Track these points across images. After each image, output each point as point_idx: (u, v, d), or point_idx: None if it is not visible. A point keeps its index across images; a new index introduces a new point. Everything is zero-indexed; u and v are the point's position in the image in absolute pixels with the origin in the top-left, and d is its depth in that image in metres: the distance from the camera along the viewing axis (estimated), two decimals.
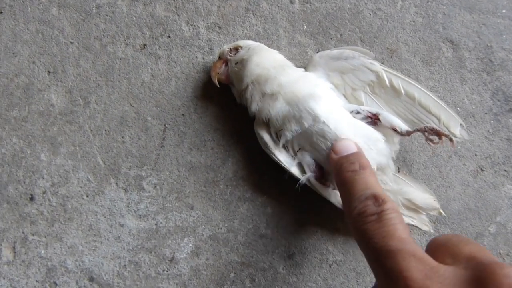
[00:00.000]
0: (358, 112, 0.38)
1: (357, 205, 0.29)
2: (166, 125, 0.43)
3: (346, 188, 0.31)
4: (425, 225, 0.40)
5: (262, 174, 0.42)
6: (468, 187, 0.42)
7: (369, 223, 0.27)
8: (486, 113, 0.43)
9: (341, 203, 0.38)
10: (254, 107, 0.39)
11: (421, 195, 0.39)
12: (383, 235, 0.26)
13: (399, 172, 0.41)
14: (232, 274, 0.41)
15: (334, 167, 0.34)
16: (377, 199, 0.28)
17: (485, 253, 0.25)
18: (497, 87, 0.43)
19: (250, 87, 0.38)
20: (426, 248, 0.28)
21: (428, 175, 0.42)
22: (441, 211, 0.39)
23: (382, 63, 0.42)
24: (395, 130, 0.37)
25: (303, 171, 0.39)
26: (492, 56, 0.43)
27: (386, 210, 0.27)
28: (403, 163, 0.42)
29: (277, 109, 0.37)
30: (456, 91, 0.43)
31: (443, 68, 0.43)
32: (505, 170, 0.42)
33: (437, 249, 0.27)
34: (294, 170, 0.39)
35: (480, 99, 0.43)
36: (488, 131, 0.43)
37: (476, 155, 0.42)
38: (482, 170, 0.42)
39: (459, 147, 0.42)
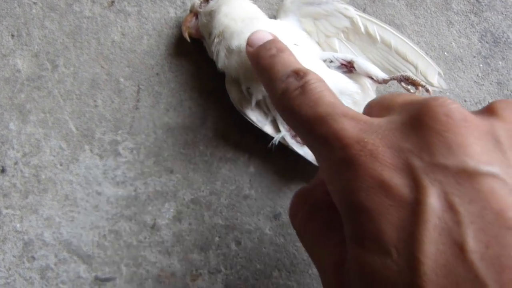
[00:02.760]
0: (331, 61, 0.36)
1: (279, 85, 0.27)
2: (140, 86, 0.41)
3: (267, 74, 0.29)
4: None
5: (244, 133, 0.40)
6: None
7: (295, 98, 0.25)
8: (474, 57, 0.41)
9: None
10: (220, 63, 0.37)
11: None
12: (310, 104, 0.24)
13: None
14: (216, 238, 0.40)
15: (252, 59, 0.32)
16: (298, 74, 0.26)
17: (420, 97, 0.23)
18: (485, 28, 0.41)
19: (215, 40, 0.36)
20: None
21: None
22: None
23: (365, 9, 0.40)
24: (371, 78, 0.35)
25: (277, 128, 0.37)
26: None
27: (309, 81, 0.25)
28: None
29: (245, 67, 0.35)
30: (443, 35, 0.41)
31: (429, 11, 0.41)
32: None
33: (371, 108, 0.25)
34: (267, 129, 0.37)
35: (468, 42, 0.41)
36: (477, 75, 0.41)
37: (465, 101, 0.41)
38: None
39: (447, 93, 0.41)
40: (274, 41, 0.31)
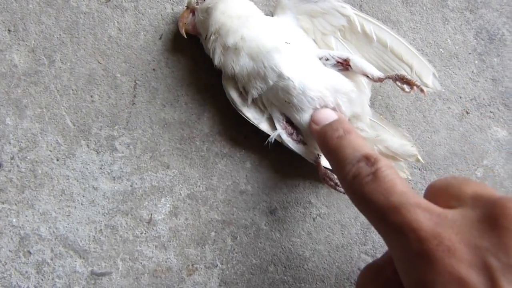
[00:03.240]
0: (327, 59, 0.36)
1: (350, 169, 0.28)
2: (137, 82, 0.41)
3: (335, 156, 0.30)
4: (403, 172, 0.39)
5: (240, 128, 0.40)
6: (453, 131, 0.41)
7: (366, 184, 0.26)
8: (470, 53, 0.41)
9: (314, 158, 0.37)
10: (217, 60, 0.37)
11: (398, 142, 0.38)
12: (383, 192, 0.25)
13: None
14: (213, 233, 0.40)
15: (318, 137, 0.33)
16: (369, 159, 0.27)
17: (489, 190, 0.24)
18: (481, 25, 0.41)
19: (212, 37, 0.36)
20: (424, 195, 0.27)
21: (412, 120, 0.40)
22: (419, 157, 0.38)
23: (361, 6, 0.41)
24: (366, 76, 0.35)
25: (273, 125, 0.37)
26: None
27: (380, 168, 0.26)
28: (386, 109, 0.40)
29: (241, 65, 0.36)
30: (439, 32, 0.41)
31: (424, 8, 0.41)
32: (491, 112, 0.41)
33: (438, 194, 0.26)
34: (263, 126, 0.38)
35: (464, 39, 0.41)
36: (472, 72, 0.41)
37: (460, 97, 0.41)
38: (467, 112, 0.41)
39: (443, 90, 0.41)
40: (340, 121, 0.33)
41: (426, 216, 0.23)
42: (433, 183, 0.27)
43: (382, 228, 0.25)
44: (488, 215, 0.22)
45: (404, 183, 0.26)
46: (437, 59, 0.41)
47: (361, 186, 0.26)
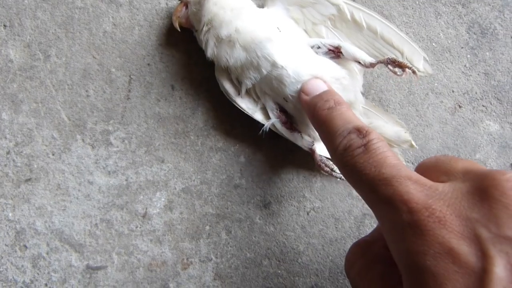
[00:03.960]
0: (319, 47, 0.36)
1: (341, 141, 0.28)
2: (131, 76, 0.41)
3: (325, 127, 0.30)
4: None
5: (234, 122, 0.41)
6: (446, 125, 0.41)
7: (357, 156, 0.26)
8: (462, 48, 0.41)
9: (309, 146, 0.37)
10: (209, 52, 0.37)
11: (392, 128, 0.38)
12: (374, 164, 0.25)
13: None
14: (207, 227, 0.40)
15: (308, 108, 0.33)
16: (360, 131, 0.27)
17: (479, 165, 0.25)
18: (473, 19, 0.41)
19: (204, 28, 0.36)
20: (414, 171, 0.27)
21: (405, 114, 0.41)
22: (413, 143, 0.38)
23: (354, 0, 0.41)
24: (358, 62, 0.35)
25: (267, 115, 0.38)
26: None
27: (372, 140, 0.26)
28: (379, 103, 0.41)
29: (235, 57, 0.36)
30: (431, 26, 0.41)
31: (417, 2, 0.41)
32: (483, 106, 0.41)
33: (428, 170, 0.26)
34: (258, 116, 0.38)
35: (456, 33, 0.41)
36: (465, 66, 0.41)
37: (453, 91, 0.41)
38: (460, 106, 0.41)
39: (435, 84, 0.41)
40: (330, 92, 0.32)
41: (417, 188, 0.23)
42: (423, 162, 0.27)
43: (373, 200, 0.25)
44: (479, 187, 0.22)
45: (395, 156, 0.26)
46: (429, 53, 0.41)
47: (352, 157, 0.26)
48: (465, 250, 0.21)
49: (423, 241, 0.21)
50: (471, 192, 0.22)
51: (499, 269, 0.20)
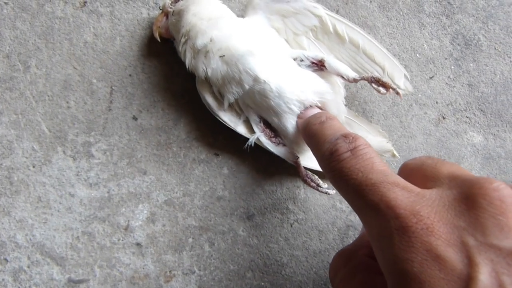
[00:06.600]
0: (302, 60, 0.36)
1: (328, 146, 0.28)
2: (113, 87, 0.40)
3: (316, 138, 0.30)
4: None
5: (217, 134, 0.40)
6: (430, 136, 0.41)
7: (344, 161, 0.26)
8: (446, 59, 0.41)
9: (294, 159, 0.37)
10: (187, 63, 0.36)
11: (375, 138, 0.38)
12: (361, 170, 0.25)
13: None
14: (190, 239, 0.40)
15: (302, 127, 0.33)
16: (347, 137, 0.27)
17: (464, 170, 0.25)
18: (457, 30, 0.41)
19: (182, 39, 0.36)
20: (398, 173, 0.27)
21: (389, 125, 0.40)
22: (395, 152, 0.38)
23: (338, 10, 0.41)
24: (341, 77, 0.35)
25: (250, 128, 0.37)
26: None
27: (359, 146, 0.26)
28: (363, 114, 0.40)
29: (214, 68, 0.35)
30: (415, 37, 0.41)
31: (401, 13, 0.41)
32: (467, 117, 0.41)
33: (413, 173, 0.26)
34: (240, 129, 0.38)
35: (440, 44, 0.41)
36: (448, 77, 0.41)
37: (437, 102, 0.41)
38: (443, 118, 0.41)
39: (419, 95, 0.41)
40: (323, 112, 0.33)
41: (404, 194, 0.23)
42: (407, 163, 0.27)
43: (360, 206, 0.25)
44: (466, 195, 0.22)
45: (382, 161, 0.26)
46: (413, 64, 0.41)
47: (339, 162, 0.26)
48: (452, 257, 0.21)
49: (410, 247, 0.21)
50: (458, 200, 0.22)
51: (484, 276, 0.20)
